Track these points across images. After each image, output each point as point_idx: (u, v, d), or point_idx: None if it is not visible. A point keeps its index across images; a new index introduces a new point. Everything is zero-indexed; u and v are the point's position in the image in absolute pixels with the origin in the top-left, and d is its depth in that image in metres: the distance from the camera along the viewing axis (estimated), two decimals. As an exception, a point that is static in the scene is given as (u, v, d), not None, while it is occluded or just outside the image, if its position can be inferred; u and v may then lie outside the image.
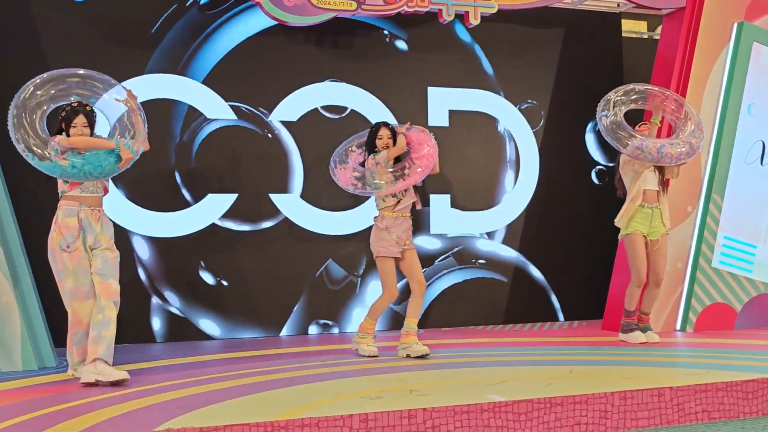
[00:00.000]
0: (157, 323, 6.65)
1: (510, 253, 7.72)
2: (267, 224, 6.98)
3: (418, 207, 5.60)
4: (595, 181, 8.00)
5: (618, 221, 6.02)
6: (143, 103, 6.63)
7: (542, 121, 7.84)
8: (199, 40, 6.89)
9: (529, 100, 7.83)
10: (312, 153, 7.08)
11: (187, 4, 6.87)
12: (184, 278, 6.75)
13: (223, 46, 6.95)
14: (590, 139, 7.98)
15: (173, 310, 6.70)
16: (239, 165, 6.92)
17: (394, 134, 5.48)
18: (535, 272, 7.80)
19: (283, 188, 7.03)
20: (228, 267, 6.86)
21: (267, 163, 7.00)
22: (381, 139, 5.46)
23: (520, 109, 7.78)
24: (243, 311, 6.88)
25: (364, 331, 5.48)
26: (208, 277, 6.81)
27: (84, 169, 4.44)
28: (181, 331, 6.71)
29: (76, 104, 4.58)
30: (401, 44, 7.45)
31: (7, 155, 5.50)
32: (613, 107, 5.91)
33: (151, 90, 6.68)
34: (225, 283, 6.83)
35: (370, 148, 5.49)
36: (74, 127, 4.53)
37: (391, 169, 5.37)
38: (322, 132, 7.09)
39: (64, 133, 4.56)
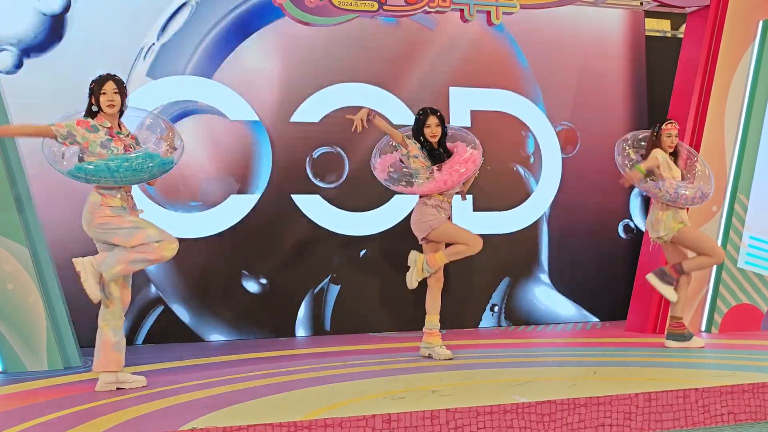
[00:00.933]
0: (174, 324, 6.70)
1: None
2: (290, 225, 7.00)
3: (463, 199, 5.54)
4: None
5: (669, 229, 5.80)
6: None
7: (578, 144, 7.83)
8: (209, 40, 6.92)
9: (564, 122, 7.81)
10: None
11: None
12: (203, 280, 6.80)
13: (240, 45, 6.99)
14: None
15: (188, 313, 6.74)
16: (258, 166, 6.94)
17: (442, 122, 5.26)
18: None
19: (308, 189, 7.04)
20: (258, 267, 6.91)
21: (286, 163, 7.01)
22: (429, 127, 5.23)
23: (556, 131, 7.79)
24: (258, 312, 6.92)
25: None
26: (232, 278, 6.84)
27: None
28: (196, 333, 6.76)
29: (103, 74, 4.38)
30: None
31: (30, 153, 5.56)
32: (631, 148, 5.95)
33: (162, 94, 6.74)
34: (264, 281, 6.87)
35: (417, 136, 5.27)
36: (104, 94, 4.29)
37: (429, 166, 5.20)
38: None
39: (94, 107, 4.33)
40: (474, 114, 7.52)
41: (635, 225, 7.96)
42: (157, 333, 6.62)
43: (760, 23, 6.86)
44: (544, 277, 7.70)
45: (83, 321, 5.83)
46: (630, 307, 6.95)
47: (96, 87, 4.33)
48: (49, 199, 6.10)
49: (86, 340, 5.82)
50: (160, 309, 6.64)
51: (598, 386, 4.01)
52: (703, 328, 6.66)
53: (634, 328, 6.78)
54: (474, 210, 7.41)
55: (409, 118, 7.18)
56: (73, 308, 5.60)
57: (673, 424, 3.86)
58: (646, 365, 4.82)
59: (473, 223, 7.20)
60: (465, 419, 3.53)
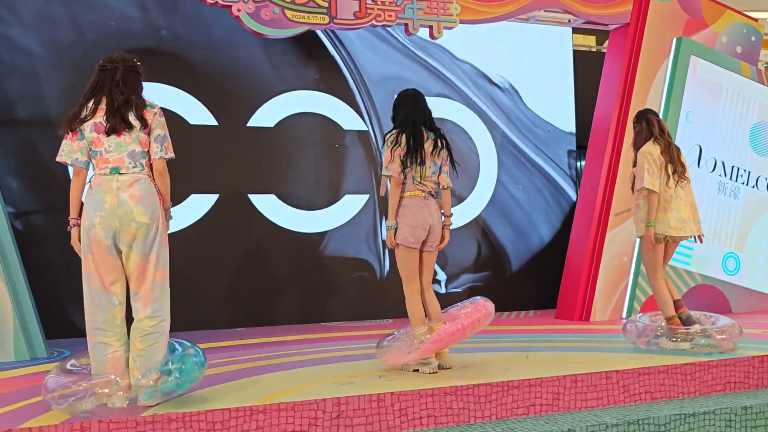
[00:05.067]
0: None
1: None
2: (247, 224, 6.94)
3: (381, 194, 4.34)
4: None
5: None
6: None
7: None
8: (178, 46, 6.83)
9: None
10: (291, 156, 7.07)
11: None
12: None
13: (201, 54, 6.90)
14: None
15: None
16: (219, 167, 6.87)
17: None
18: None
19: (263, 189, 6.99)
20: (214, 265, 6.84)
21: (245, 164, 6.95)
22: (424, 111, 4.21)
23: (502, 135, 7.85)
24: (216, 305, 6.85)
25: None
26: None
27: None
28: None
29: (114, 56, 3.42)
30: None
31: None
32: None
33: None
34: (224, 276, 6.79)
35: (402, 125, 4.14)
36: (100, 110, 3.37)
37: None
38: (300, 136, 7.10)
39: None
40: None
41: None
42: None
43: (674, 40, 7.05)
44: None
45: (49, 312, 5.71)
46: (558, 296, 7.07)
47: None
48: (17, 187, 5.95)
49: (52, 331, 5.70)
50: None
51: (529, 370, 4.08)
52: (624, 315, 6.81)
53: (562, 315, 6.91)
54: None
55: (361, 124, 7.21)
56: (39, 302, 5.46)
57: (597, 402, 3.95)
58: (573, 350, 4.91)
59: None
60: (409, 401, 3.56)
